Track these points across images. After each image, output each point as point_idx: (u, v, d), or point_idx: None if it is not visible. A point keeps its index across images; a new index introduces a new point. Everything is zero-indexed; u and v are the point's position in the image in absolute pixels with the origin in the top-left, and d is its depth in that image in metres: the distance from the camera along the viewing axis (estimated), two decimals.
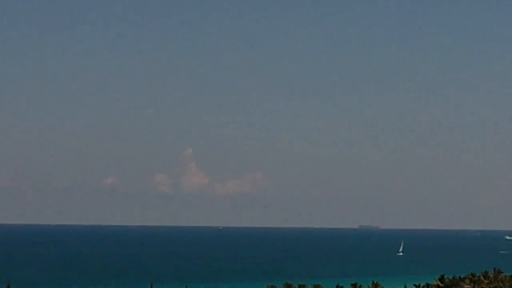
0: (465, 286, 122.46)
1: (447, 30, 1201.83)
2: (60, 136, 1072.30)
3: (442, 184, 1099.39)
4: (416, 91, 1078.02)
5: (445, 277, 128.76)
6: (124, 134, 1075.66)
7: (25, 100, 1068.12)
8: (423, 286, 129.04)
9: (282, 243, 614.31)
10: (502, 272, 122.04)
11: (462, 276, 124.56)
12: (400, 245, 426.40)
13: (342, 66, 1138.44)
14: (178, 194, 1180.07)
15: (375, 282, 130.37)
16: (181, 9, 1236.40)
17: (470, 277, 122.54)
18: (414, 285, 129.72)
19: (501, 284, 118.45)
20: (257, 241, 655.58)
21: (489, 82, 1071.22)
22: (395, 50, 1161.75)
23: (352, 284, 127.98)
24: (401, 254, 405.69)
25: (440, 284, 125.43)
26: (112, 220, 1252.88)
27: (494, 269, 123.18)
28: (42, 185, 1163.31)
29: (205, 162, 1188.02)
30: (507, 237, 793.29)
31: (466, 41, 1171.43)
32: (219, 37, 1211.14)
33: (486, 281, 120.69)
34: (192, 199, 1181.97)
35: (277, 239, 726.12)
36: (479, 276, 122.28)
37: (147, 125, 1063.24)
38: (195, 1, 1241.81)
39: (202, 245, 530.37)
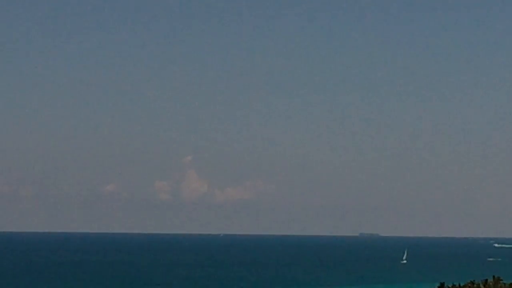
0: None
1: (447, 31, 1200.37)
2: (60, 142, 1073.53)
3: (444, 190, 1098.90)
4: (419, 96, 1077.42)
5: (445, 284, 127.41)
6: (124, 141, 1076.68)
7: (24, 105, 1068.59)
8: None
9: (283, 250, 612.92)
10: (501, 280, 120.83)
11: (461, 284, 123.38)
12: (404, 253, 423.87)
13: (342, 72, 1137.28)
14: (178, 201, 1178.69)
15: None
16: (181, 15, 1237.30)
17: (469, 284, 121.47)
18: None
19: None
20: (257, 248, 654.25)
21: (492, 86, 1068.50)
22: (394, 53, 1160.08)
23: None
24: (404, 262, 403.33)
25: None
26: (112, 227, 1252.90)
27: (494, 277, 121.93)
28: (41, 191, 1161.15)
29: (205, 169, 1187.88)
30: (496, 245, 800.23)
31: (468, 41, 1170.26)
32: (219, 44, 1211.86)
33: None
34: (192, 206, 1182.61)
35: (277, 246, 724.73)
36: (478, 284, 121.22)
37: (147, 132, 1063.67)
38: (197, 9, 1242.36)
39: (202, 252, 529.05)
